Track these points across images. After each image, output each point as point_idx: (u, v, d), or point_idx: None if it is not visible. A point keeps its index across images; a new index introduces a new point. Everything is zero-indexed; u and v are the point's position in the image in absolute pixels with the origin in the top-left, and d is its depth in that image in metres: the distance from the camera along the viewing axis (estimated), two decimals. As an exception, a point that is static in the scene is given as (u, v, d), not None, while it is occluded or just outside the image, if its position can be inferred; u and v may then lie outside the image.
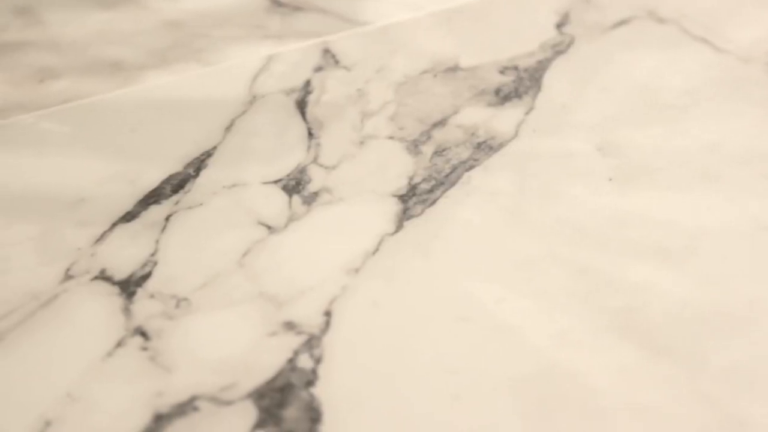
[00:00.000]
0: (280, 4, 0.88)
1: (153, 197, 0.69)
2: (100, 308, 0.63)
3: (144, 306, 0.63)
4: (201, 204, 0.69)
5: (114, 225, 0.67)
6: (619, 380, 0.58)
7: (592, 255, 0.65)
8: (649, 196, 0.68)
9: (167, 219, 0.68)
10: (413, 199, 0.69)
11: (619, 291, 0.62)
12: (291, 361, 0.60)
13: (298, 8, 0.87)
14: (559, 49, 0.80)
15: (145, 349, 0.60)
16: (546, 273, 0.64)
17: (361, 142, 0.73)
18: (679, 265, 0.63)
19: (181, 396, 0.58)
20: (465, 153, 0.72)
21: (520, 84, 0.77)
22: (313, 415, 0.57)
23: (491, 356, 0.60)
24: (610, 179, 0.69)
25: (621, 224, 0.67)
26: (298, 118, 0.75)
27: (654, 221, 0.66)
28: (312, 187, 0.70)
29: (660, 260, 0.64)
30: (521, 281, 0.64)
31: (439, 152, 0.72)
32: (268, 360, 0.60)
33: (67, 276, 0.64)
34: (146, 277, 0.64)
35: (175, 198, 0.69)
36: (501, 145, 0.72)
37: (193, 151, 0.72)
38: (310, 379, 0.59)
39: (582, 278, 0.63)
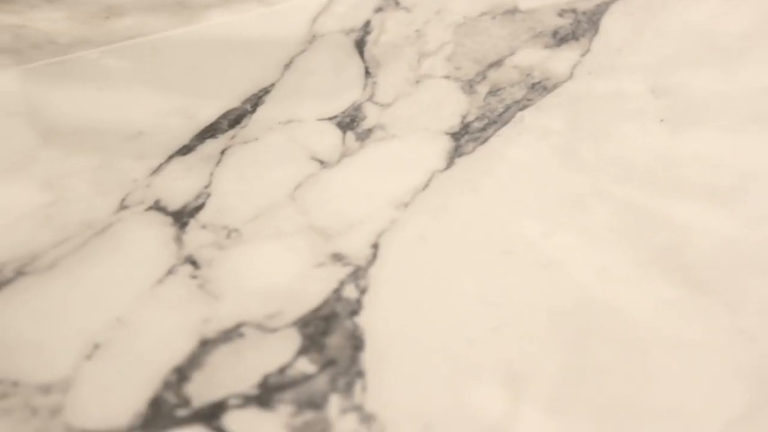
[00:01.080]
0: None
1: (210, 132, 0.69)
2: (152, 237, 0.63)
3: (196, 236, 0.63)
4: (256, 139, 0.69)
5: (170, 158, 0.68)
6: (659, 315, 0.57)
7: (640, 193, 0.64)
8: (700, 138, 0.67)
9: (222, 153, 0.68)
10: (465, 137, 0.69)
11: (664, 228, 0.62)
12: (336, 291, 0.60)
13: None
14: (618, -8, 0.79)
15: (194, 277, 0.61)
16: (592, 210, 0.63)
17: (417, 82, 0.72)
18: (726, 204, 0.62)
19: (228, 323, 0.58)
20: (519, 93, 0.71)
21: (578, 27, 0.76)
22: (356, 343, 0.57)
23: (533, 289, 0.60)
24: (662, 120, 0.68)
25: (670, 164, 0.66)
26: (356, 57, 0.74)
27: (703, 162, 0.65)
28: (366, 124, 0.70)
29: (707, 200, 0.63)
30: (567, 217, 0.63)
31: (493, 92, 0.71)
32: (314, 290, 0.60)
33: (122, 206, 0.65)
34: (199, 208, 0.65)
35: (231, 133, 0.69)
36: (555, 86, 0.72)
37: (251, 88, 0.72)
38: (355, 309, 0.59)
39: (628, 215, 0.62)
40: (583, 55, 0.74)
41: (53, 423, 0.52)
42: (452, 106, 0.71)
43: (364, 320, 0.58)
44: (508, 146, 0.68)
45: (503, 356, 0.56)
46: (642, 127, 0.68)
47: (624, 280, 0.59)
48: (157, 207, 0.65)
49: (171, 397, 0.54)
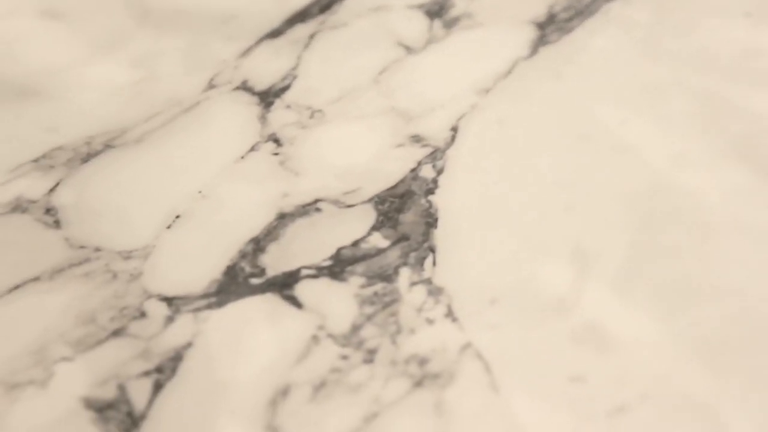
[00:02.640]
0: None
1: (300, 16, 0.69)
2: (238, 116, 0.63)
3: (280, 115, 0.63)
4: (345, 24, 0.69)
5: (260, 40, 0.68)
6: (729, 200, 0.56)
7: (720, 84, 0.62)
8: (787, 30, 0.65)
9: (311, 37, 0.68)
10: (551, 27, 0.68)
11: (741, 117, 0.60)
12: (414, 170, 0.60)
13: None
14: None
15: (276, 154, 0.61)
16: (671, 98, 0.62)
17: (506, -29, 0.71)
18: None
19: (306, 198, 0.58)
20: (608, -16, 0.69)
21: None
22: (429, 220, 0.57)
23: (607, 173, 0.59)
24: (748, 15, 0.66)
25: (753, 56, 0.64)
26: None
27: (788, 53, 0.63)
28: (454, 12, 0.69)
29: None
30: (646, 105, 0.62)
31: (582, -17, 0.70)
32: (392, 169, 0.60)
33: (211, 85, 0.65)
34: (285, 89, 0.65)
35: (321, 18, 0.69)
36: (645, -22, 0.70)
37: (343, -24, 0.71)
38: (430, 188, 0.59)
39: (706, 104, 0.61)
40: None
41: (131, 287, 0.53)
42: (540, -5, 0.69)
43: (438, 199, 0.58)
44: (593, 37, 0.67)
45: (572, 235, 0.55)
46: (727, 20, 0.67)
47: (698, 166, 0.58)
48: (244, 87, 0.65)
49: (246, 267, 0.54)
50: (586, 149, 0.60)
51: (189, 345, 0.50)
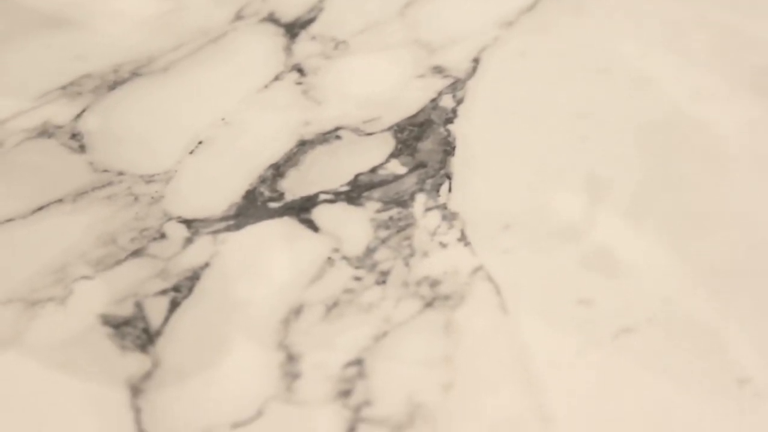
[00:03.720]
0: None
1: (327, -49, 0.68)
2: (263, 46, 0.63)
3: (304, 46, 0.63)
4: (372, -42, 0.68)
5: (287, -27, 0.67)
6: (745, 132, 0.55)
7: (741, 21, 0.61)
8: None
9: (338, -29, 0.67)
10: (577, -39, 0.67)
11: (761, 52, 0.59)
12: (434, 100, 0.59)
13: None
14: None
15: (299, 83, 0.61)
16: (693, 33, 0.61)
17: None
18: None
19: (327, 126, 0.58)
20: None
21: None
22: (447, 148, 0.57)
23: (625, 105, 0.58)
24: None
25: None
26: None
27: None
28: (480, -53, 0.68)
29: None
30: (667, 40, 0.61)
31: None
32: (412, 98, 0.60)
33: (238, 16, 0.65)
34: (311, 21, 0.65)
35: (348, -48, 0.68)
36: None
37: None
38: (449, 117, 0.58)
39: (725, 39, 0.60)
40: None
41: (152, 209, 0.53)
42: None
43: (457, 128, 0.58)
44: (617, -28, 0.66)
45: (587, 164, 0.55)
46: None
47: (715, 99, 0.57)
48: (271, 19, 0.65)
49: (265, 191, 0.54)
50: (605, 82, 0.59)
51: (206, 265, 0.50)
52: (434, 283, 0.49)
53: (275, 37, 0.63)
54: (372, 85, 0.60)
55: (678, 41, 0.60)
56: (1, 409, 0.44)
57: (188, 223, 0.52)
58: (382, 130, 0.57)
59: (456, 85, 0.59)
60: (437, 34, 0.63)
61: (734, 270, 0.49)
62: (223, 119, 0.58)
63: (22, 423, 0.44)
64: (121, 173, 0.55)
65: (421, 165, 0.55)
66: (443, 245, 0.51)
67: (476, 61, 0.61)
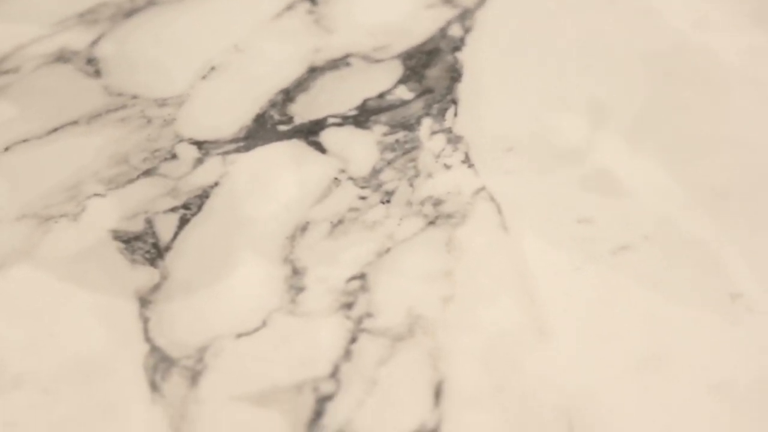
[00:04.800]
0: None
1: None
2: (276, -24, 0.63)
3: (317, -23, 0.63)
4: None
5: None
6: (746, 60, 0.56)
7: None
8: None
9: None
10: None
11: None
12: (442, 29, 0.59)
13: None
14: None
15: (311, 12, 0.61)
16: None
17: None
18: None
19: (336, 53, 0.58)
20: None
21: None
22: (454, 75, 0.57)
23: (629, 34, 0.58)
24: None
25: None
26: None
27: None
28: None
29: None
30: (673, -31, 0.60)
31: None
32: (421, 27, 0.60)
33: (251, -52, 0.65)
34: (323, -48, 0.64)
35: None
36: None
37: None
38: (457, 46, 0.58)
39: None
40: None
41: (164, 131, 0.54)
42: None
43: (464, 56, 0.58)
44: None
45: (591, 91, 0.55)
46: None
47: (718, 29, 0.57)
48: (284, -50, 0.65)
49: (275, 115, 0.54)
50: (611, 12, 0.59)
51: (216, 184, 0.51)
52: (437, 203, 0.49)
53: (288, -32, 0.62)
54: (382, 15, 0.60)
55: (684, -28, 0.59)
56: (14, 317, 0.45)
57: (199, 144, 0.52)
58: (391, 58, 0.57)
59: (465, 15, 0.59)
60: (448, -34, 0.62)
61: (731, 191, 0.49)
62: (235, 46, 0.58)
63: (34, 331, 0.44)
64: (135, 97, 0.55)
65: (428, 91, 0.55)
66: (447, 167, 0.51)
67: (485, -9, 0.60)
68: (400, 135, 0.52)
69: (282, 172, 0.51)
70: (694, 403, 0.41)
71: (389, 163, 0.51)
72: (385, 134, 0.52)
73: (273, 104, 0.54)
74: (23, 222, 0.48)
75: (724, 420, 0.41)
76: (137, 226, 0.48)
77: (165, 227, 0.48)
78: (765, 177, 0.49)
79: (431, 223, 0.48)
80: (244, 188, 0.50)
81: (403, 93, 0.54)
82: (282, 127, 0.53)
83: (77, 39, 0.58)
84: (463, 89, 0.55)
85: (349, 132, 0.53)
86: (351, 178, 0.50)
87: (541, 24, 0.58)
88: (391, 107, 0.54)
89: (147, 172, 0.51)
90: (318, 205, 0.49)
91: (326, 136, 0.52)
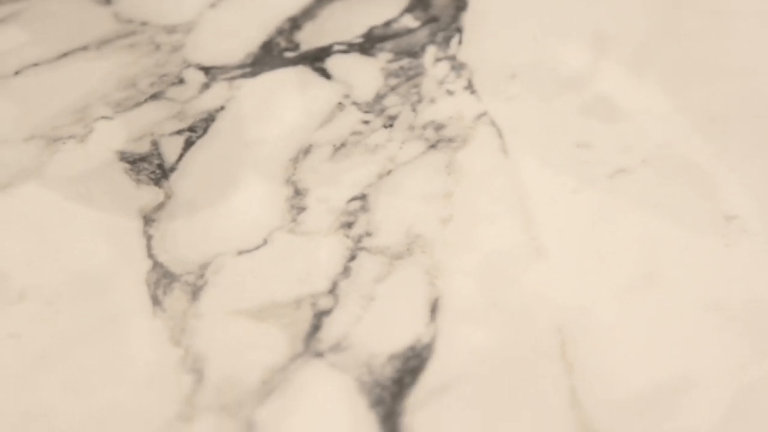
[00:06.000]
0: None
1: None
2: None
3: None
4: None
5: None
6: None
7: None
8: None
9: None
10: None
11: None
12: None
13: None
14: None
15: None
16: None
17: None
18: None
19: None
20: None
21: None
22: (459, 4, 0.56)
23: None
24: None
25: None
26: None
27: None
28: None
29: None
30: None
31: None
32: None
33: None
34: None
35: None
36: None
37: None
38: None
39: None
40: None
41: (172, 57, 0.53)
42: None
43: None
44: None
45: (595, 20, 0.54)
46: None
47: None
48: None
49: (282, 42, 0.54)
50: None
51: (222, 108, 0.50)
52: (439, 127, 0.49)
53: None
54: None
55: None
56: (21, 233, 0.45)
57: (206, 69, 0.52)
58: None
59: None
60: None
61: (730, 116, 0.48)
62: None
63: (40, 247, 0.44)
64: (144, 23, 0.55)
65: (434, 19, 0.54)
66: (450, 93, 0.50)
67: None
68: (405, 62, 0.52)
69: (287, 97, 0.50)
70: (686, 321, 0.41)
71: (393, 89, 0.50)
72: (390, 61, 0.52)
73: (280, 31, 0.54)
74: (32, 143, 0.48)
75: (716, 338, 0.40)
76: (143, 147, 0.48)
77: (171, 149, 0.48)
78: (764, 104, 0.48)
79: (432, 146, 0.48)
80: (250, 112, 0.50)
81: (409, 21, 0.54)
82: (288, 54, 0.53)
83: (88, -33, 0.57)
84: (468, 18, 0.54)
85: (355, 59, 0.52)
86: (355, 103, 0.50)
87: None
88: (397, 35, 0.53)
89: (154, 96, 0.50)
90: (321, 129, 0.49)
91: (332, 63, 0.52)
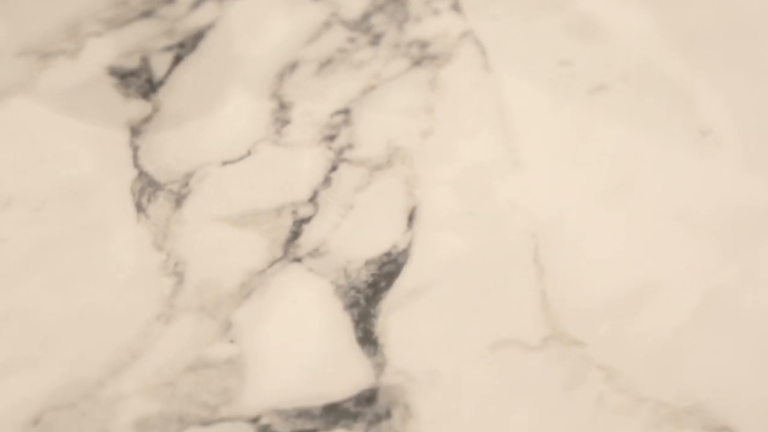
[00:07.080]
0: None
1: None
2: None
3: None
4: None
5: None
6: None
7: None
8: None
9: None
10: None
11: None
12: None
13: None
14: None
15: None
16: None
17: None
18: None
19: None
20: None
21: None
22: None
23: None
24: None
25: None
26: None
27: None
28: None
29: None
30: None
31: None
32: None
33: None
34: None
35: None
36: None
37: None
38: None
39: None
40: None
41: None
42: None
43: None
44: None
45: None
46: None
47: None
48: None
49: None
50: None
51: (211, 26, 0.50)
52: (424, 45, 0.49)
53: None
54: None
55: None
56: (8, 144, 0.45)
57: (197, -11, 0.52)
58: None
59: None
60: None
61: (709, 34, 0.48)
62: None
63: (27, 156, 0.45)
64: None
65: None
66: (436, 12, 0.50)
67: None
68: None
69: (275, 16, 0.50)
70: (656, 229, 0.41)
71: (380, 8, 0.50)
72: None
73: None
74: (23, 58, 0.48)
75: (685, 244, 0.41)
76: (133, 63, 0.48)
77: (160, 65, 0.48)
78: (743, 23, 0.48)
79: (417, 63, 0.48)
80: (238, 30, 0.50)
81: None
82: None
83: None
84: None
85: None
86: (341, 21, 0.50)
87: None
88: None
89: (145, 14, 0.50)
90: (308, 45, 0.49)
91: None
